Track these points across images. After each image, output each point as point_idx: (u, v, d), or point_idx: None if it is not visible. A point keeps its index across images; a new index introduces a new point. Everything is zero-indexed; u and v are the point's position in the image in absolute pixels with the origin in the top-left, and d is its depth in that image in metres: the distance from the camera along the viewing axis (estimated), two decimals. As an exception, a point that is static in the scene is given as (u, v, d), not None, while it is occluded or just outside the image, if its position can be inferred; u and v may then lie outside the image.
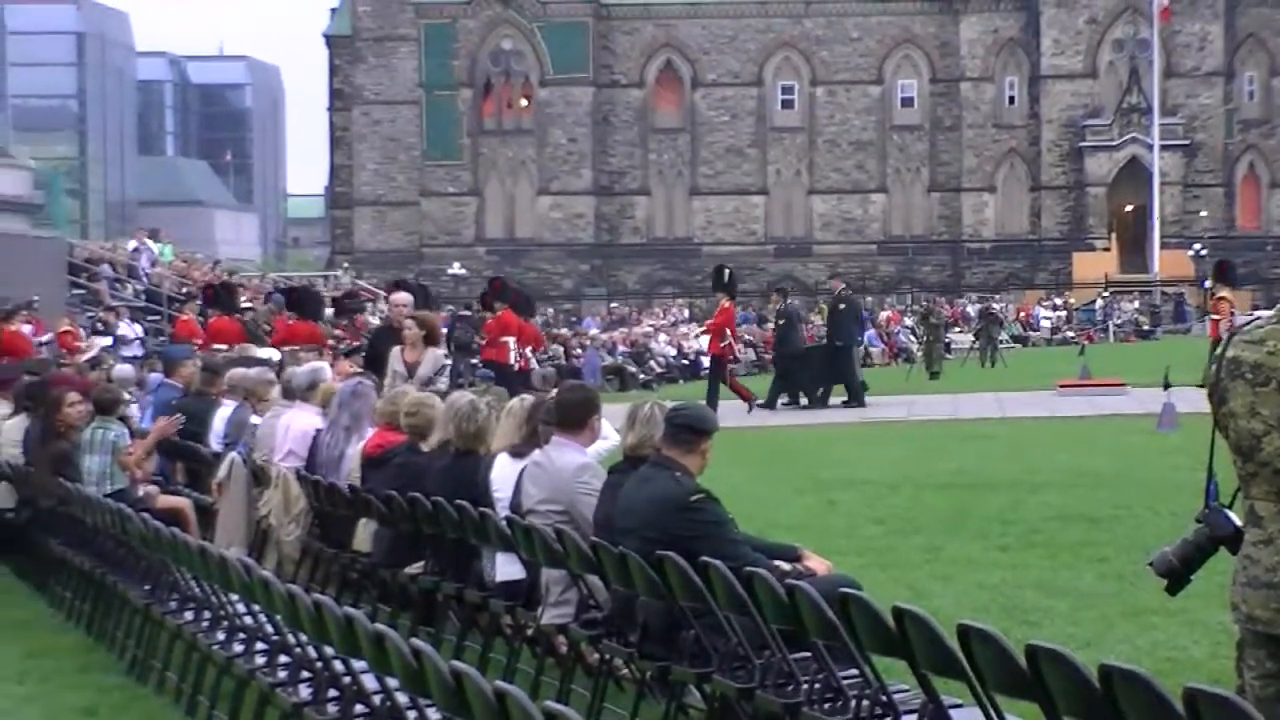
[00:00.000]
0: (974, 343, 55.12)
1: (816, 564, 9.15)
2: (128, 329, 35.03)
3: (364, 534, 12.08)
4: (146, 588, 11.11)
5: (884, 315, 71.96)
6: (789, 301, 39.47)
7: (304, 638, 7.85)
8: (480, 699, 5.30)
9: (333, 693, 7.60)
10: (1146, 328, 77.05)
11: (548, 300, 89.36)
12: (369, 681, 7.06)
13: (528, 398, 11.40)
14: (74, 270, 40.45)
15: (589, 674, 9.16)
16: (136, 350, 32.37)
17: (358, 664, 7.11)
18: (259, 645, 8.84)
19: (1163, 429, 24.90)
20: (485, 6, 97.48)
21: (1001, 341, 56.91)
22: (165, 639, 10.59)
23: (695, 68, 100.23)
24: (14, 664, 11.70)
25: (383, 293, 46.63)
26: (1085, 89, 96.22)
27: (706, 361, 38.90)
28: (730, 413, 29.51)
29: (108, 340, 33.00)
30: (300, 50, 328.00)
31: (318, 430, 13.43)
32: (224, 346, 24.20)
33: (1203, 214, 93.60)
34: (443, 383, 17.34)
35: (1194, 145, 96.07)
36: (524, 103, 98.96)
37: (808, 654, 7.10)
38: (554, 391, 11.60)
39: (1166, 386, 25.07)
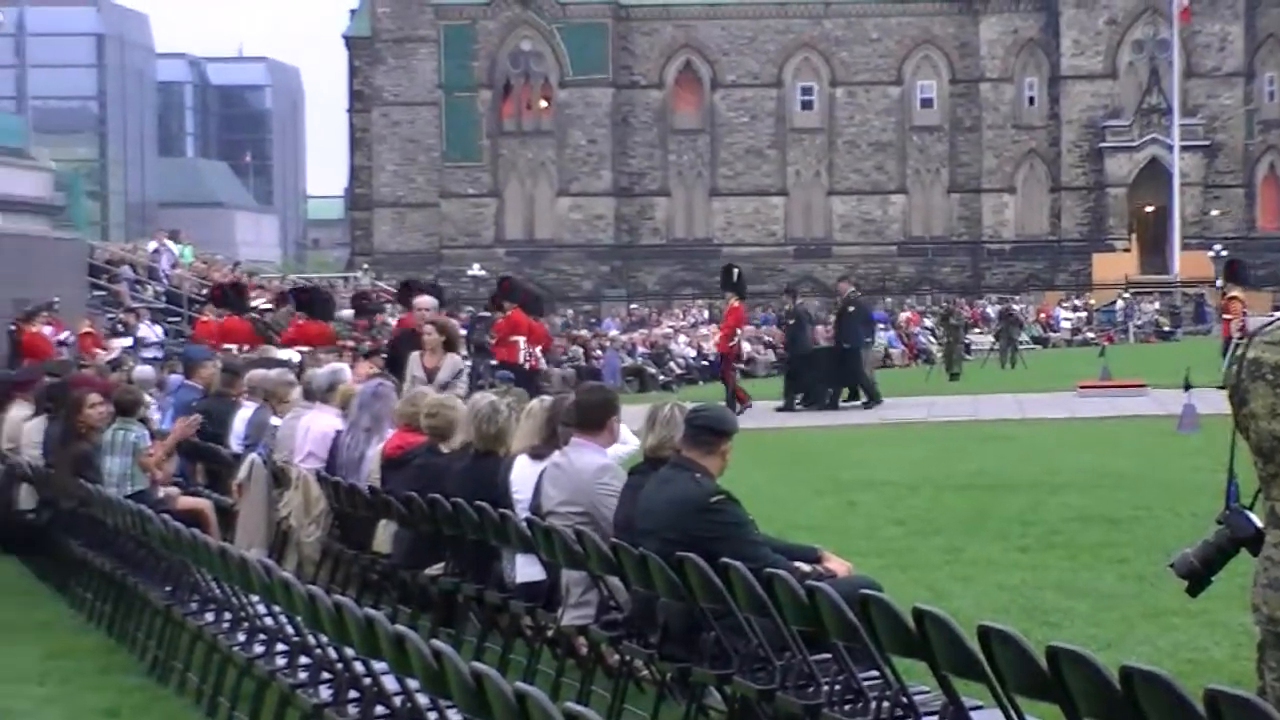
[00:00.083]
0: (994, 344, 55.01)
1: (837, 565, 9.15)
2: (148, 330, 35.10)
3: (384, 535, 12.10)
4: (167, 589, 11.13)
5: (904, 316, 71.93)
6: (799, 302, 39.50)
7: (324, 639, 7.86)
8: (501, 700, 5.31)
9: (353, 694, 7.60)
10: (1167, 329, 76.84)
11: (567, 301, 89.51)
12: (389, 683, 7.08)
13: (547, 398, 11.41)
14: (94, 272, 40.49)
15: (609, 675, 9.16)
16: (156, 352, 32.42)
17: (378, 665, 7.11)
18: (279, 646, 8.85)
19: (1183, 430, 24.83)
20: (505, 8, 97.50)
21: (1022, 343, 56.83)
22: (186, 640, 10.61)
23: (715, 69, 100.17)
24: (35, 665, 11.72)
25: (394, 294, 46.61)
26: (1105, 89, 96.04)
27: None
28: (750, 414, 29.51)
29: (128, 341, 33.07)
30: (320, 52, 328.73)
31: (338, 432, 13.44)
32: (233, 346, 24.21)
33: (1212, 213, 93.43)
34: (461, 387, 17.35)
35: (1214, 146, 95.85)
36: (543, 104, 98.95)
37: (828, 655, 7.10)
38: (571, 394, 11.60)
39: (1187, 388, 25.04)
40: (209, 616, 10.17)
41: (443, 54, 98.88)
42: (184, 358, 21.58)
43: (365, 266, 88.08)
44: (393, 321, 29.67)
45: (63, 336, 30.43)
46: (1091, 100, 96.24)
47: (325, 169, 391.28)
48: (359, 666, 7.43)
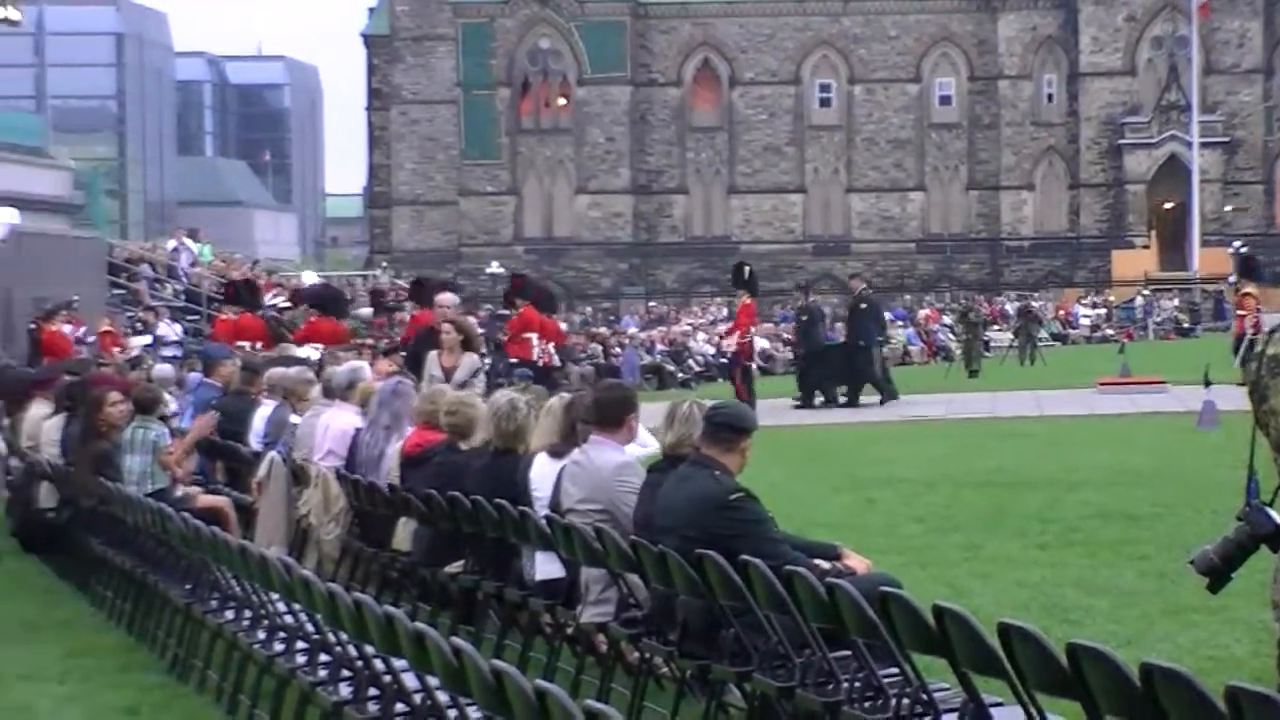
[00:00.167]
0: (1013, 341, 54.97)
1: (856, 562, 9.14)
2: (167, 329, 35.12)
3: (404, 533, 12.10)
4: (187, 587, 11.14)
5: (923, 314, 71.81)
6: (811, 299, 39.47)
7: (344, 637, 7.86)
8: (520, 697, 5.31)
9: (373, 691, 7.60)
10: (1186, 325, 76.71)
11: (586, 299, 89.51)
12: (409, 680, 7.08)
13: (566, 396, 11.41)
14: (114, 270, 40.54)
15: (629, 673, 9.15)
16: (176, 350, 32.45)
17: (398, 663, 7.12)
18: (299, 644, 8.86)
19: (1203, 427, 24.79)
20: (523, 6, 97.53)
21: (1041, 339, 56.72)
22: (206, 638, 10.62)
23: (733, 66, 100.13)
24: (55, 664, 11.74)
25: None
26: (1124, 86, 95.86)
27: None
28: (769, 411, 29.48)
29: (147, 340, 33.12)
30: (338, 50, 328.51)
31: (357, 429, 13.45)
32: (247, 344, 24.21)
33: (1227, 209, 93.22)
34: (478, 387, 17.34)
35: (1233, 142, 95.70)
36: (562, 102, 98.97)
37: (848, 652, 7.09)
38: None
39: (1207, 384, 24.98)
40: (229, 614, 10.18)
41: (461, 52, 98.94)
42: (203, 356, 21.61)
43: (384, 265, 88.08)
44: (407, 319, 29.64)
45: (82, 335, 30.50)
46: (1110, 97, 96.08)
47: (344, 167, 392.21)
48: (379, 664, 7.44)
